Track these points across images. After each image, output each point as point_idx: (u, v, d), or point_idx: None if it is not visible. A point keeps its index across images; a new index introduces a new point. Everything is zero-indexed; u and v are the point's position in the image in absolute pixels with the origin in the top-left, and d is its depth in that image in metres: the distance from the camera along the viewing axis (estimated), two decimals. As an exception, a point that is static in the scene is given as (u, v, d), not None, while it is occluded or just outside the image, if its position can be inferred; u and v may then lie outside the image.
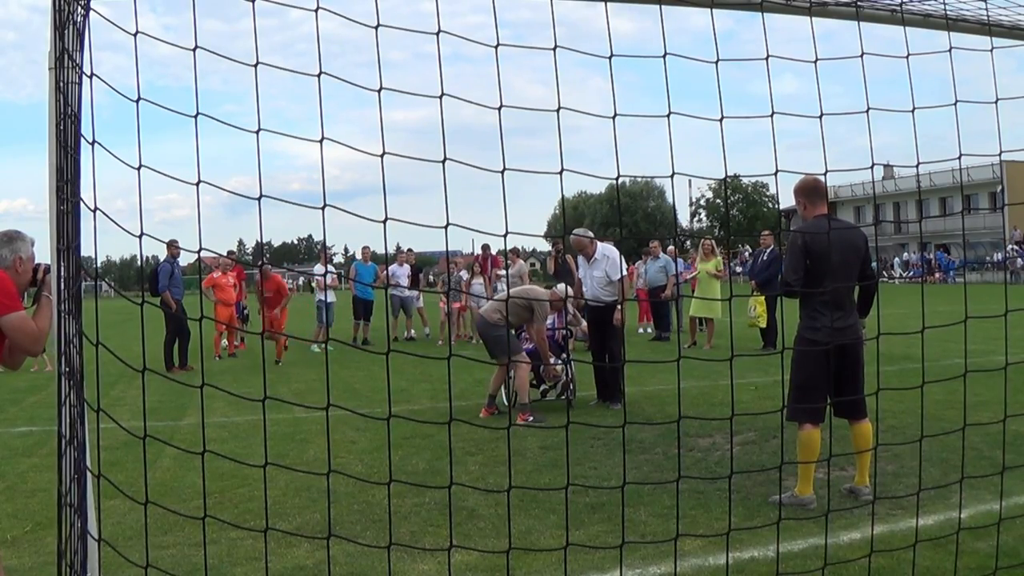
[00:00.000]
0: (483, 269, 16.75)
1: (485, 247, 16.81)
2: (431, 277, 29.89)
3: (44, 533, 4.71)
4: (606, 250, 8.83)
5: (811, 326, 4.80)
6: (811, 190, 4.99)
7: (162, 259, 13.23)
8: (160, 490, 5.42)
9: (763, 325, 12.78)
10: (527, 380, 8.19)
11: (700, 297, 13.72)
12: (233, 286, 14.80)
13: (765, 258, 13.54)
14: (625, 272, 9.27)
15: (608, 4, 2.79)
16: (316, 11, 2.27)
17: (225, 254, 15.97)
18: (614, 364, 8.52)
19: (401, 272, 16.67)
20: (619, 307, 8.48)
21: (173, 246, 12.21)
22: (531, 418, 7.69)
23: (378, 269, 17.34)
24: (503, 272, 16.80)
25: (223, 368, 13.10)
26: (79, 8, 2.54)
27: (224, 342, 15.25)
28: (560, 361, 8.62)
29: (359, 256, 17.73)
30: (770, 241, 13.88)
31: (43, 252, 2.46)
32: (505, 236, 2.68)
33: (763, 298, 12.69)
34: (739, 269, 39.65)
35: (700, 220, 74.33)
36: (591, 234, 9.02)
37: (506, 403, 8.66)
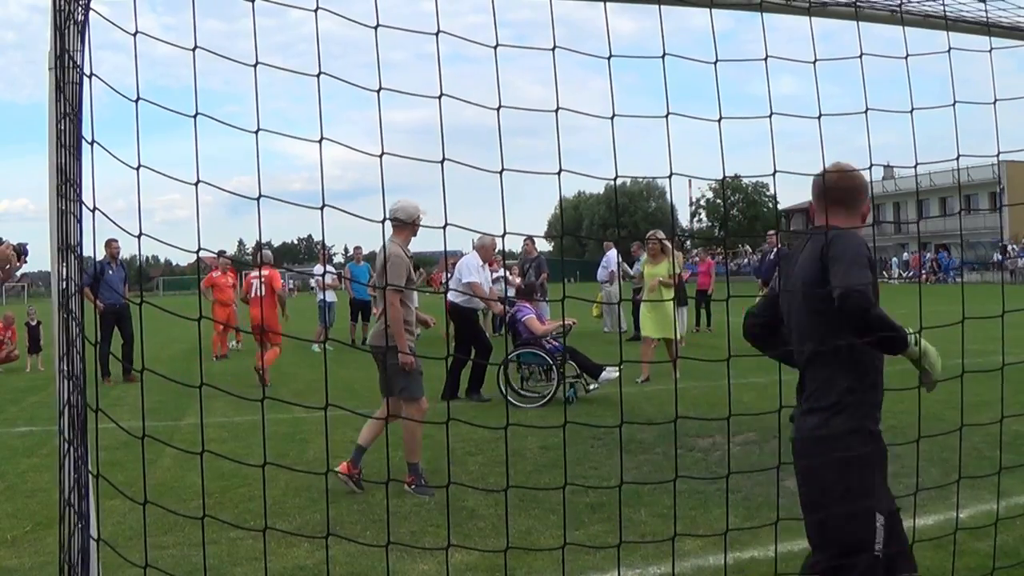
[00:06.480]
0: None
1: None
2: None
3: (44, 533, 4.71)
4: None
5: (870, 402, 2.82)
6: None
7: (107, 260, 11.77)
8: (160, 490, 5.42)
9: None
10: (419, 433, 5.66)
11: (653, 300, 10.48)
12: (233, 286, 14.70)
13: (772, 258, 13.53)
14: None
15: (608, 4, 2.79)
16: (316, 11, 2.27)
17: (216, 253, 15.79)
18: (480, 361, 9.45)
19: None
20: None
21: (110, 246, 11.49)
22: (422, 482, 5.55)
23: (370, 269, 17.37)
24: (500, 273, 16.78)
25: (223, 368, 13.09)
26: (79, 8, 2.54)
27: (233, 342, 15.18)
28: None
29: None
30: (777, 241, 13.87)
31: (43, 252, 2.46)
32: (504, 236, 2.69)
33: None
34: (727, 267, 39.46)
35: (700, 220, 74.39)
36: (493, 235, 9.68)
37: (502, 395, 8.67)
